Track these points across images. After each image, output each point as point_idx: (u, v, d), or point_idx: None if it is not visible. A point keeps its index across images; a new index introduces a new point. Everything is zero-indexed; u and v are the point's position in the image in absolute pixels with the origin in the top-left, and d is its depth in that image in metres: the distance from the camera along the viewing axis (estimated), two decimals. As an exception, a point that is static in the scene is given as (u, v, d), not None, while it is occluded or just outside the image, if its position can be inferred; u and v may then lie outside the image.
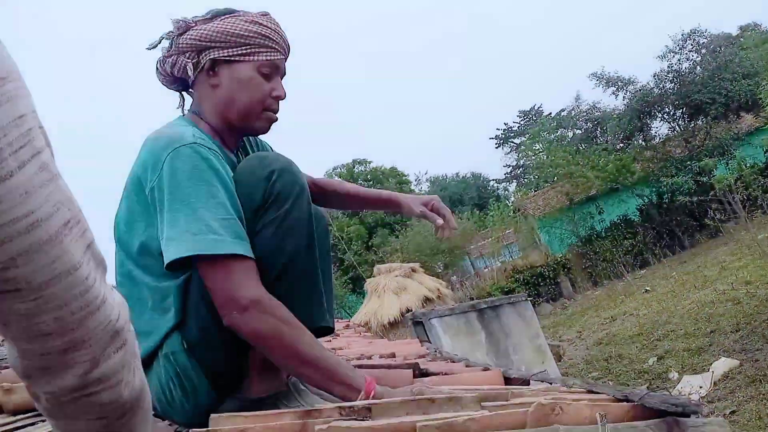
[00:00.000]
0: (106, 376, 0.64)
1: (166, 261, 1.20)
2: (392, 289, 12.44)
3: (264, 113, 1.46)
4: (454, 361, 2.21)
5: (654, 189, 19.28)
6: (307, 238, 1.37)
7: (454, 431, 0.96)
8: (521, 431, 0.94)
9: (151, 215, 1.28)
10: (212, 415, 1.09)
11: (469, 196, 39.92)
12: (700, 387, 6.90)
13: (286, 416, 1.04)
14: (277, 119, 1.49)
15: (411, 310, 11.61)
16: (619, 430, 0.92)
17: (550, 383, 1.43)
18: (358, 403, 1.06)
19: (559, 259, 19.00)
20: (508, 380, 1.68)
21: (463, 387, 1.39)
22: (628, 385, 7.85)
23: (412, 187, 37.06)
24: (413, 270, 12.93)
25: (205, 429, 0.96)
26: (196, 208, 1.21)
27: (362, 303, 15.42)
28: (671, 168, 18.29)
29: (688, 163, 17.77)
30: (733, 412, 5.87)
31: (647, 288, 13.84)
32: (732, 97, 17.52)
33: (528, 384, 1.67)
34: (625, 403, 1.01)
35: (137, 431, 0.74)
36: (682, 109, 19.10)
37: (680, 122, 19.93)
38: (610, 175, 18.81)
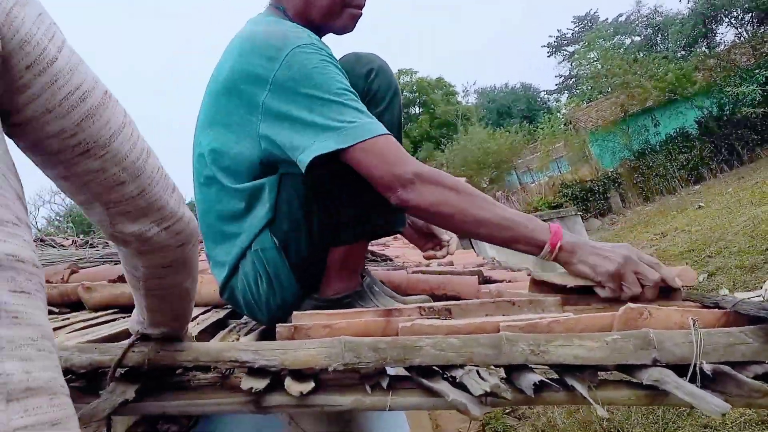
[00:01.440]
0: (173, 211, 0.80)
1: (311, 156, 1.14)
2: (439, 201, 12.44)
3: (346, 10, 1.39)
4: (514, 270, 2.20)
5: (715, 100, 18.29)
6: (397, 136, 1.34)
7: (537, 332, 0.95)
8: (608, 333, 0.93)
9: (243, 117, 1.25)
10: (295, 313, 1.11)
11: (518, 108, 38.91)
12: (752, 304, 6.81)
13: (366, 315, 1.05)
14: (361, 14, 1.43)
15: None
16: (712, 335, 0.89)
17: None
18: (438, 304, 1.06)
19: (609, 174, 18.56)
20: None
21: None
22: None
23: (459, 99, 36.27)
24: (460, 183, 12.85)
25: (289, 324, 0.98)
26: (330, 98, 1.17)
27: (408, 216, 15.54)
28: (736, 77, 17.25)
29: (756, 71, 16.70)
30: (784, 329, 5.77)
31: (701, 204, 13.47)
32: (808, 1, 16.21)
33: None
34: (716, 310, 0.98)
35: (192, 262, 0.90)
36: (752, 13, 17.80)
37: (749, 27, 18.62)
38: (669, 85, 17.92)
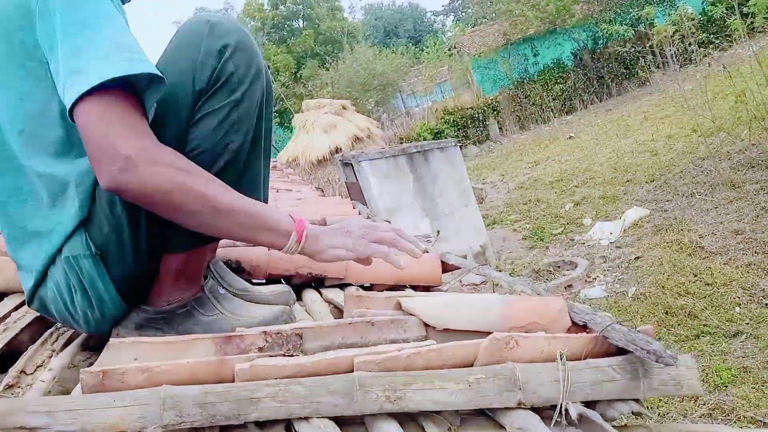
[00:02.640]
0: None
1: (72, 99, 0.89)
2: (321, 126, 12.16)
3: None
4: (387, 232, 2.10)
5: (591, 34, 19.02)
6: (255, 129, 1.12)
7: (396, 368, 0.84)
8: (471, 369, 0.84)
9: (27, 66, 0.99)
10: (111, 339, 0.93)
11: (404, 28, 38.45)
12: (611, 233, 7.32)
13: (200, 345, 0.89)
14: None
15: (340, 149, 11.50)
16: (580, 370, 0.83)
17: (494, 283, 1.34)
18: (286, 327, 0.92)
19: (489, 102, 18.99)
20: (445, 266, 1.59)
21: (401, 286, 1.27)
22: (544, 229, 8.26)
23: (346, 15, 35.12)
24: (343, 107, 12.61)
25: (96, 370, 0.79)
26: (101, 28, 0.93)
27: (290, 138, 15.11)
28: (611, 13, 17.95)
29: (629, 9, 17.45)
30: (637, 258, 6.28)
31: (571, 134, 14.18)
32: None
33: (457, 269, 1.59)
34: (585, 335, 0.92)
35: None
36: (633, -53, 18.39)
37: (628, -37, 19.28)
38: (550, 16, 18.34)
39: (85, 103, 0.89)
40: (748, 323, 4.24)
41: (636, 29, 16.76)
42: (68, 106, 0.90)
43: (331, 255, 1.04)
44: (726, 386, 3.58)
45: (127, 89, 0.93)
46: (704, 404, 3.48)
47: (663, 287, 5.22)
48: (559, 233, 8.01)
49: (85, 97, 0.89)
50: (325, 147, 11.87)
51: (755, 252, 5.23)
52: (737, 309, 4.51)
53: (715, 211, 6.50)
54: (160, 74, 0.93)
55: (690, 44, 8.26)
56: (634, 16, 16.92)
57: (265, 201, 1.26)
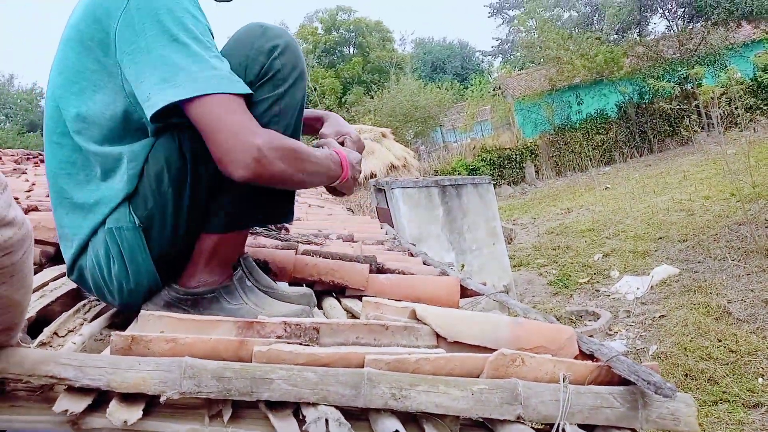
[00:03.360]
0: None
1: (158, 107, 1.00)
2: (360, 150, 12.31)
3: None
4: (412, 254, 2.14)
5: (637, 88, 18.98)
6: (294, 127, 1.22)
7: (405, 370, 0.88)
8: (476, 380, 0.87)
9: (98, 72, 1.09)
10: (142, 311, 0.99)
11: (452, 65, 38.83)
12: (638, 288, 7.22)
13: (223, 326, 0.94)
14: None
15: (375, 175, 11.62)
16: (581, 394, 0.85)
17: (508, 308, 1.37)
18: (306, 321, 0.97)
19: (528, 144, 19.01)
20: (464, 291, 1.62)
21: (412, 299, 1.32)
22: (570, 277, 8.18)
23: (396, 46, 35.70)
24: (383, 135, 12.78)
25: (126, 334, 0.85)
26: (186, 43, 1.03)
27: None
28: (659, 69, 17.91)
29: (678, 68, 17.40)
30: (662, 316, 6.17)
31: (608, 186, 14.08)
32: (737, 4, 16.87)
33: (477, 295, 1.62)
34: (590, 362, 0.94)
35: (23, 272, 0.77)
36: (684, 8, 18.40)
37: (679, 22, 19.27)
38: (598, 66, 18.39)
39: (207, 99, 1.02)
40: (769, 395, 4.14)
41: (683, 87, 16.68)
42: (176, 99, 1.00)
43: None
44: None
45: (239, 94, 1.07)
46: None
47: (685, 349, 5.12)
48: (584, 282, 7.93)
49: (205, 96, 1.02)
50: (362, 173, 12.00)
51: (784, 324, 5.11)
52: (760, 380, 4.40)
53: (747, 278, 6.38)
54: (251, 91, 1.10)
55: (737, 108, 8.21)
56: (682, 74, 16.86)
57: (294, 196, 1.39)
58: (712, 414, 4.11)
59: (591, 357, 1.00)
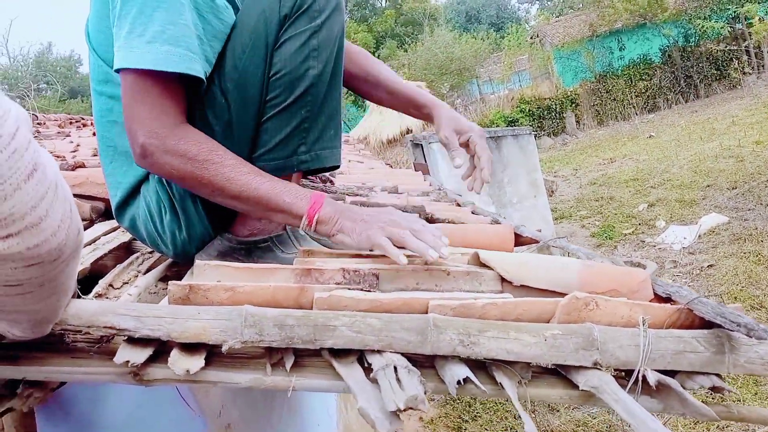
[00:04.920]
0: (20, 213, 0.55)
1: (115, 68, 0.99)
2: (395, 106, 12.12)
3: None
4: (459, 204, 2.09)
5: (683, 30, 18.11)
6: (334, 64, 1.15)
7: (471, 315, 0.83)
8: (548, 324, 0.82)
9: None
10: (197, 261, 0.96)
11: (487, 14, 37.73)
12: (685, 238, 7.03)
13: (281, 273, 0.91)
14: None
15: (411, 131, 11.48)
16: (661, 338, 0.80)
17: (567, 252, 1.31)
18: (365, 266, 0.93)
19: (568, 94, 18.47)
20: (518, 238, 1.57)
21: (469, 248, 1.26)
22: (614, 228, 8.01)
23: (427, -5, 34.77)
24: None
25: (184, 283, 0.82)
26: (155, 9, 0.98)
27: (362, 117, 15.18)
28: (707, 8, 17.00)
29: (727, 5, 16.47)
30: (710, 266, 6.01)
31: (652, 134, 13.64)
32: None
33: (532, 242, 1.56)
34: (668, 305, 0.88)
35: (56, 282, 0.68)
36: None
37: (728, -42, 18.24)
38: (641, 8, 17.57)
39: (124, 75, 0.99)
40: (827, 342, 4.01)
41: (733, 27, 15.83)
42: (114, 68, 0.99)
43: (338, 240, 1.04)
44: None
45: (167, 73, 0.99)
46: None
47: (735, 298, 4.99)
48: (629, 233, 7.75)
49: (124, 70, 0.98)
50: (396, 127, 11.87)
51: (840, 270, 4.92)
52: (816, 327, 4.26)
53: (800, 224, 6.15)
54: (194, 74, 1.00)
55: (793, 46, 7.78)
56: (731, 13, 15.96)
57: (339, 137, 1.27)
58: (765, 364, 4.01)
59: (668, 300, 0.94)
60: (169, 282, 0.82)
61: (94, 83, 1.14)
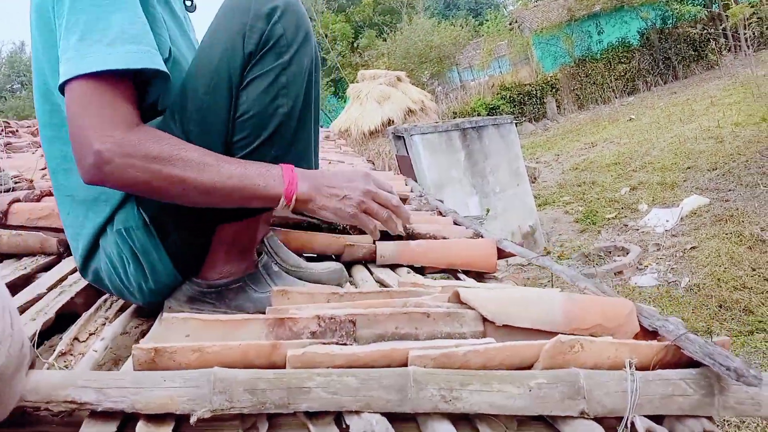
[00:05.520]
0: None
1: (63, 79, 0.91)
2: (375, 97, 12.07)
3: None
4: (441, 213, 2.05)
5: (660, 13, 18.16)
6: (305, 97, 1.10)
7: (452, 365, 0.80)
8: (533, 372, 0.79)
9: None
10: (165, 314, 0.92)
11: (465, 0, 37.62)
12: (667, 220, 7.08)
13: (252, 325, 0.87)
14: None
15: (393, 121, 11.41)
16: (649, 382, 0.77)
17: (551, 273, 1.28)
18: (341, 313, 0.89)
19: (548, 79, 18.48)
20: (501, 253, 1.54)
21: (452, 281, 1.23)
22: (597, 213, 8.04)
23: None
24: (398, 79, 12.46)
25: (148, 347, 0.78)
26: (111, 11, 0.93)
27: (343, 107, 15.08)
28: (683, -8, 17.10)
29: (705, -12, 16.58)
30: (693, 248, 6.06)
31: (632, 116, 13.70)
32: None
33: (513, 256, 1.53)
34: (655, 343, 0.85)
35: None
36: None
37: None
38: (618, -8, 17.63)
39: (72, 86, 0.91)
40: (806, 323, 4.06)
41: (709, 10, 15.89)
42: (59, 82, 0.91)
43: (319, 215, 1.04)
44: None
45: (121, 75, 0.93)
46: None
47: (719, 280, 5.02)
48: (612, 218, 7.79)
49: (73, 80, 0.90)
50: (378, 119, 11.79)
51: (820, 250, 4.97)
52: (796, 307, 4.31)
53: (780, 204, 6.20)
54: (162, 69, 0.95)
55: (767, 27, 7.81)
56: (706, -5, 16.03)
57: (316, 167, 1.24)
58: (748, 344, 4.05)
59: (654, 334, 0.91)
60: (133, 346, 0.77)
61: (45, 130, 1.08)
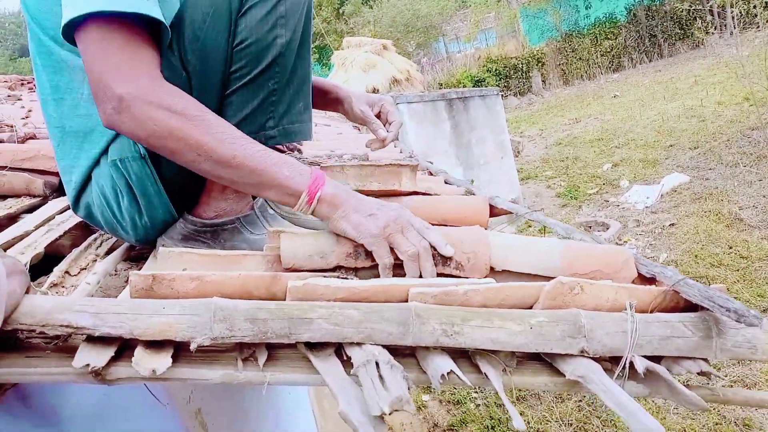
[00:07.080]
0: None
1: (69, 17, 0.85)
2: (360, 65, 11.95)
3: None
4: (432, 173, 2.04)
5: (649, -11, 18.13)
6: (303, 31, 1.07)
7: (452, 303, 0.80)
8: (533, 311, 0.79)
9: None
10: (161, 248, 0.90)
11: (452, -30, 37.11)
12: (648, 197, 7.15)
13: (251, 260, 0.85)
14: None
15: (377, 90, 11.32)
16: (649, 324, 0.78)
17: (544, 226, 1.28)
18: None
19: (535, 53, 18.41)
20: (493, 210, 1.53)
21: (446, 224, 1.23)
22: (579, 188, 8.10)
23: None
24: (384, 47, 12.34)
25: (146, 273, 0.76)
26: None
27: (327, 75, 14.90)
28: (671, -32, 17.04)
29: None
30: (672, 225, 6.13)
31: (617, 93, 13.73)
32: None
33: (507, 213, 1.53)
34: (654, 287, 0.86)
35: None
36: None
37: None
38: (607, -34, 17.52)
39: (86, 29, 0.86)
40: (781, 300, 4.15)
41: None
42: (63, 23, 0.86)
43: (338, 226, 0.94)
44: (750, 361, 3.51)
45: (136, 19, 0.89)
46: (726, 376, 3.43)
47: (696, 256, 5.10)
48: (593, 193, 7.85)
49: (87, 21, 0.85)
50: (363, 87, 11.69)
51: (798, 229, 5.06)
52: (770, 285, 4.40)
53: (758, 183, 6.28)
54: (160, 18, 0.89)
55: (755, 6, 7.82)
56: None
57: (308, 111, 1.19)
58: (723, 320, 4.13)
59: (652, 281, 0.92)
60: (131, 272, 0.76)
61: (36, 57, 1.03)
